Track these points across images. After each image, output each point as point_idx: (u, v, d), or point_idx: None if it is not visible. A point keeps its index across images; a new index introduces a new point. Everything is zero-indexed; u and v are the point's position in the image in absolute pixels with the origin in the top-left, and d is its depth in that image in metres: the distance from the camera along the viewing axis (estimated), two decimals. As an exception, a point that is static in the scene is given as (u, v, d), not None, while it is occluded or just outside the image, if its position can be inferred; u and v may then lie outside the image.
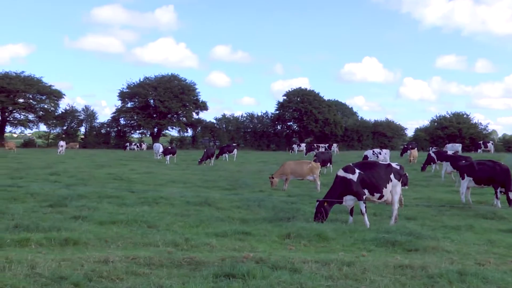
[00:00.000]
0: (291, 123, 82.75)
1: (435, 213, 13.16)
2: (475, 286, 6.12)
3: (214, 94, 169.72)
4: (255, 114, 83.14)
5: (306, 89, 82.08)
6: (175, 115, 78.99)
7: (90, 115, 78.76)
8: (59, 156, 43.17)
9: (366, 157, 31.66)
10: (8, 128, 76.92)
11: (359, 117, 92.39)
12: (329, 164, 27.67)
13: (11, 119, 74.33)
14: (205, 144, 74.43)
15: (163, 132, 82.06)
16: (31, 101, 73.55)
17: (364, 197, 11.29)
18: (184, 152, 56.17)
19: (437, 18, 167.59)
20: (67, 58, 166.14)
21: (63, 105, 78.70)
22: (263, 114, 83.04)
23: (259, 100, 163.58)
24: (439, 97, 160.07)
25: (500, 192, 14.66)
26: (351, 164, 11.91)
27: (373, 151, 33.67)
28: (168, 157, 36.72)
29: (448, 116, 77.51)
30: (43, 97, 74.02)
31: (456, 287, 6.09)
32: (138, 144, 67.80)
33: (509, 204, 14.18)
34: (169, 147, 41.24)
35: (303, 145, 60.63)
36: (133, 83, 77.89)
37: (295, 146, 60.71)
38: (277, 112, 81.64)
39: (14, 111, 73.19)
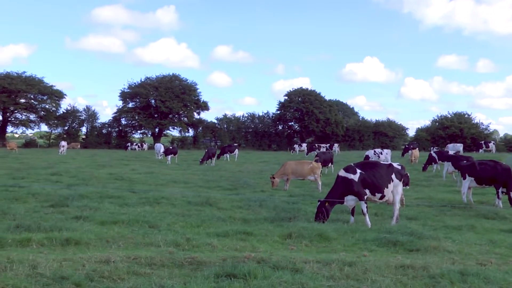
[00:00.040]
0: (292, 123, 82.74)
1: (436, 213, 13.15)
2: (477, 286, 6.11)
3: (215, 94, 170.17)
4: (256, 114, 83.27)
5: (307, 89, 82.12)
6: (176, 115, 79.00)
7: (91, 115, 78.84)
8: (60, 156, 43.22)
9: (367, 157, 31.65)
10: (9, 128, 77.26)
11: (360, 117, 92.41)
12: (330, 164, 27.66)
13: (13, 119, 74.47)
14: (206, 144, 74.41)
15: (164, 132, 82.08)
16: (32, 101, 73.66)
17: (365, 197, 11.28)
18: (185, 152, 56.19)
19: (438, 18, 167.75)
20: (68, 58, 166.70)
21: (65, 105, 79.34)
22: (264, 114, 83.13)
23: (260, 100, 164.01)
24: (440, 97, 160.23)
25: (502, 192, 14.64)
26: (352, 164, 11.91)
27: (374, 151, 33.65)
28: (169, 157, 36.72)
29: (450, 116, 77.42)
30: (45, 97, 74.10)
31: (457, 287, 6.08)
32: (139, 144, 67.76)
33: (510, 204, 14.15)
34: (170, 147, 41.25)
35: (304, 145, 60.61)
36: (134, 83, 78.00)
37: (296, 146, 60.72)
38: (278, 112, 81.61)
39: (16, 111, 73.33)
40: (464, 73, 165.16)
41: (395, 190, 11.63)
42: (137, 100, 77.48)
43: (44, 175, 22.86)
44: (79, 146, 67.53)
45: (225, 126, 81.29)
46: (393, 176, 11.63)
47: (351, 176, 11.37)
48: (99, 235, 8.89)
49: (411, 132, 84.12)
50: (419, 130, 79.32)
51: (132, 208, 12.68)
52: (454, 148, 44.91)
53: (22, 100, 72.55)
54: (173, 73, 79.99)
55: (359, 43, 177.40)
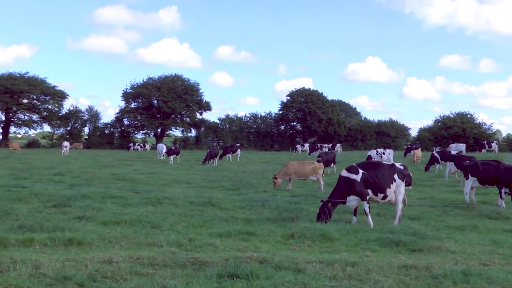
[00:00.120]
0: (294, 123, 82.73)
1: (439, 213, 13.13)
2: (480, 286, 6.10)
3: (218, 94, 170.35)
4: (259, 114, 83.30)
5: (309, 89, 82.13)
6: (178, 116, 79.09)
7: (93, 115, 78.99)
8: (63, 157, 43.28)
9: (369, 157, 31.58)
10: (12, 129, 77.38)
11: (363, 117, 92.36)
12: (332, 164, 27.63)
13: (15, 119, 74.66)
14: (208, 144, 74.45)
15: (167, 133, 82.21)
16: (35, 101, 73.88)
17: (367, 197, 11.27)
18: (187, 152, 56.24)
19: (441, 17, 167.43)
20: (70, 59, 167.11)
21: (67, 105, 78.96)
22: (267, 114, 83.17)
23: (263, 100, 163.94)
24: (443, 97, 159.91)
25: (505, 193, 14.61)
26: (354, 164, 11.89)
27: (377, 151, 33.59)
28: (171, 157, 36.75)
29: (452, 116, 77.29)
30: (47, 98, 74.32)
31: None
32: (141, 145, 67.88)
33: (513, 204, 14.12)
34: (173, 147, 41.25)
35: (306, 145, 60.62)
36: (137, 83, 78.17)
37: (298, 146, 60.69)
38: (280, 112, 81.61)
39: (18, 112, 73.56)
40: (466, 73, 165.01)
41: (397, 190, 11.61)
42: (140, 101, 77.60)
43: (47, 175, 22.90)
44: (81, 146, 67.64)
45: (227, 126, 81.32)
46: (396, 176, 11.61)
47: (353, 176, 11.37)
48: (102, 235, 8.90)
49: (414, 132, 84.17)
50: (421, 130, 79.20)
51: (134, 208, 12.69)
52: (457, 148, 44.79)
53: (25, 101, 72.76)
54: (175, 73, 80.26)
55: (362, 43, 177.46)
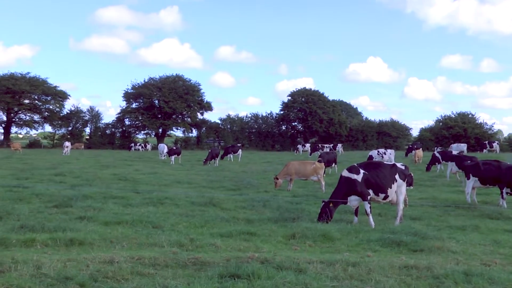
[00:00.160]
0: (295, 123, 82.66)
1: (440, 213, 13.11)
2: (481, 286, 6.10)
3: (219, 95, 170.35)
4: (260, 114, 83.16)
5: (310, 89, 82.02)
6: (179, 116, 79.10)
7: (95, 115, 79.03)
8: (64, 157, 43.31)
9: (371, 157, 31.58)
10: (13, 129, 77.49)
11: (364, 117, 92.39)
12: (334, 164, 27.62)
13: (17, 120, 74.75)
14: (209, 144, 74.42)
15: (168, 133, 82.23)
16: (36, 102, 73.93)
17: (368, 197, 11.26)
18: (188, 153, 56.26)
19: (442, 17, 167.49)
20: (72, 59, 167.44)
21: (68, 106, 79.02)
22: (268, 114, 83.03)
23: (264, 100, 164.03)
24: (444, 97, 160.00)
25: (507, 193, 14.59)
26: (355, 165, 11.88)
27: (378, 151, 33.59)
28: (172, 157, 36.77)
29: (453, 116, 77.18)
30: (48, 98, 74.36)
31: (461, 288, 6.07)
32: (143, 145, 67.94)
33: (515, 204, 14.11)
34: (174, 148, 41.27)
35: (307, 145, 60.56)
36: (138, 83, 78.14)
37: (299, 146, 60.64)
38: (281, 112, 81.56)
39: (20, 112, 73.64)
40: (468, 73, 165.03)
41: (398, 190, 11.60)
42: (141, 101, 77.60)
43: (48, 175, 22.92)
44: (82, 146, 67.71)
45: (228, 126, 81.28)
46: (397, 176, 11.60)
47: (354, 176, 11.36)
48: (103, 236, 8.91)
49: (415, 132, 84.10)
50: (422, 130, 79.12)
51: (135, 209, 12.70)
52: (458, 148, 44.76)
53: (26, 101, 72.84)
54: (176, 74, 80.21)
55: (363, 43, 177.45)
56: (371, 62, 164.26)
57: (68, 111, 77.04)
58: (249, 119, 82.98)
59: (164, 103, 74.66)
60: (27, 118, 74.66)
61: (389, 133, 78.74)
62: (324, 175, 19.51)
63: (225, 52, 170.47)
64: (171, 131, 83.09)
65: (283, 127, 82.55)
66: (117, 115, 78.35)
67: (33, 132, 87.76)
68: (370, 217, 11.08)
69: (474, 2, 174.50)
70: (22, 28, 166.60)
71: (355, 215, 11.52)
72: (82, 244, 8.31)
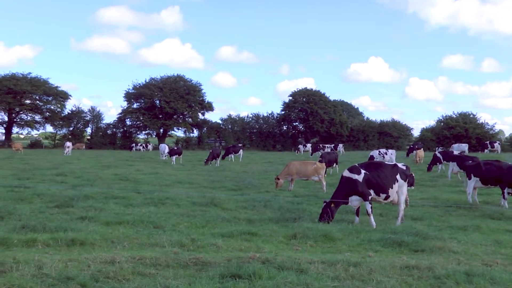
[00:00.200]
0: (297, 123, 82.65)
1: (441, 214, 13.10)
2: (483, 287, 6.09)
3: (220, 95, 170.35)
4: (261, 114, 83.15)
5: (311, 89, 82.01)
6: (181, 116, 79.14)
7: (96, 116, 79.15)
8: (65, 157, 43.36)
9: (372, 157, 31.56)
10: (15, 129, 77.67)
11: (365, 117, 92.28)
12: (335, 164, 27.61)
13: (18, 120, 74.87)
14: (211, 144, 74.47)
15: (169, 133, 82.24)
16: (37, 102, 74.05)
17: (369, 197, 11.26)
18: (190, 153, 56.27)
19: (443, 17, 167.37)
20: (73, 59, 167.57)
21: (70, 106, 79.51)
22: (269, 114, 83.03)
23: (265, 100, 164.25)
24: (445, 97, 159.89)
25: (508, 193, 14.57)
26: (356, 165, 11.88)
27: (379, 151, 33.55)
28: (174, 157, 36.78)
29: (455, 116, 77.12)
30: (50, 98, 74.45)
31: (463, 288, 6.07)
32: (144, 145, 67.95)
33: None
34: (175, 148, 41.29)
35: (309, 145, 60.48)
36: (139, 84, 78.22)
37: (301, 146, 60.57)
38: (282, 112, 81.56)
39: (21, 112, 73.73)
40: (469, 73, 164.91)
41: (400, 190, 11.59)
42: (142, 101, 77.67)
43: (49, 175, 22.95)
44: (84, 146, 67.80)
45: (229, 126, 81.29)
46: (398, 176, 11.59)
47: (355, 176, 11.35)
48: (104, 236, 8.91)
49: (416, 132, 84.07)
50: (424, 130, 79.09)
51: (137, 209, 12.71)
52: (459, 148, 44.72)
53: (28, 101, 72.93)
54: (177, 74, 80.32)
55: (364, 43, 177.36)
56: (372, 62, 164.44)
57: (69, 111, 77.22)
58: (250, 119, 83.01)
59: (165, 103, 74.72)
60: (29, 118, 74.79)
61: (390, 133, 78.69)
62: (325, 175, 19.49)
63: (226, 52, 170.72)
64: (172, 131, 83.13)
65: (284, 127, 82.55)
66: (118, 115, 78.54)
67: (34, 133, 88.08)
68: (371, 217, 11.08)
69: (476, 2, 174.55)
70: (23, 29, 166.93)
71: (356, 215, 11.52)
72: (83, 244, 8.32)
